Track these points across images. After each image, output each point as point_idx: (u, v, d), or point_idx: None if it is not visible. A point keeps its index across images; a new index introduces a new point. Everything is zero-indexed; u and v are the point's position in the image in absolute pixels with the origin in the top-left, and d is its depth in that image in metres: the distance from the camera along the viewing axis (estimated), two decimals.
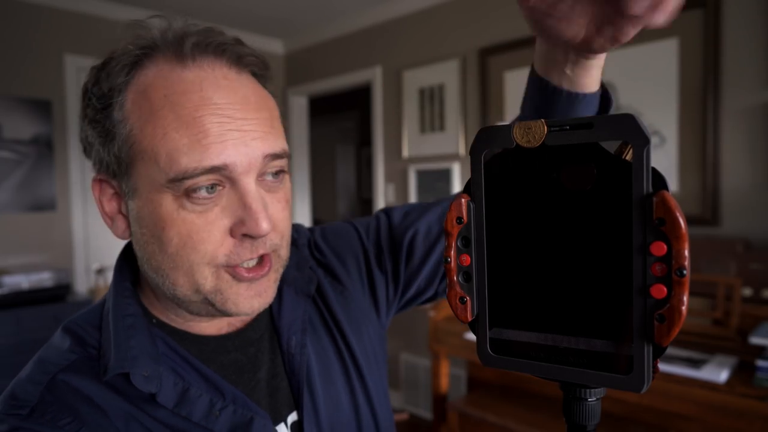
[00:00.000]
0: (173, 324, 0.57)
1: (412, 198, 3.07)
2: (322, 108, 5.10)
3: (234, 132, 0.48)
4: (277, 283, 0.56)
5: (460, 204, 0.31)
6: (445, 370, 2.27)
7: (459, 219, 0.31)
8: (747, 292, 1.76)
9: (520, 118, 0.59)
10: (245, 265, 0.51)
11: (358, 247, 0.72)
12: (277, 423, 0.58)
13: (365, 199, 5.50)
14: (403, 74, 3.06)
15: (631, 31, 0.40)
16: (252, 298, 0.52)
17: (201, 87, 0.48)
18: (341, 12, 3.26)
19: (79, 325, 0.55)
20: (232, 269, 0.51)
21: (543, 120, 0.28)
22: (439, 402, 2.26)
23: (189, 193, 0.48)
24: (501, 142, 0.30)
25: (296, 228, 0.72)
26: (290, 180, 0.57)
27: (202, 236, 0.49)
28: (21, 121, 2.76)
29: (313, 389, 0.61)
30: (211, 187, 0.48)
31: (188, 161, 0.46)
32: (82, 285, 2.96)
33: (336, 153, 5.78)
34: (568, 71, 0.50)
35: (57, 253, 2.90)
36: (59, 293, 2.64)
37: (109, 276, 2.95)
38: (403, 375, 3.20)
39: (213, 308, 0.52)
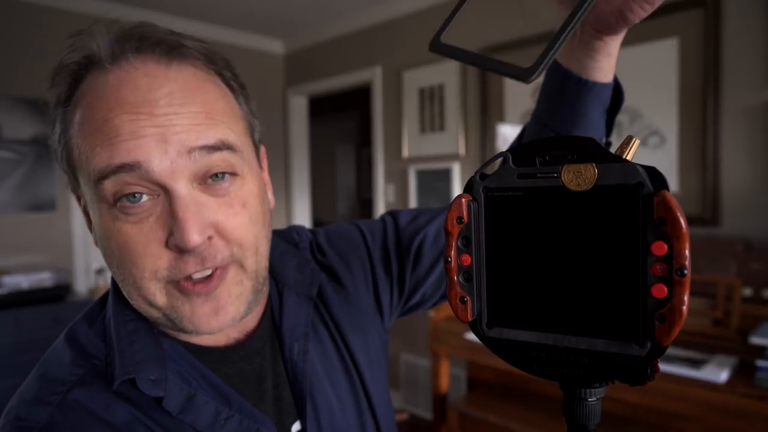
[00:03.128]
0: (173, 335, 0.54)
1: (413, 198, 3.07)
2: (322, 108, 5.10)
3: (151, 128, 0.44)
4: (245, 298, 0.51)
5: (461, 204, 0.31)
6: (445, 370, 2.27)
7: (459, 219, 0.31)
8: (747, 292, 1.76)
9: (534, 113, 0.61)
10: (194, 277, 0.47)
11: (363, 250, 0.70)
12: None
13: (365, 199, 5.49)
14: (403, 74, 3.06)
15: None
16: (209, 317, 0.48)
17: (119, 89, 0.45)
18: (341, 12, 3.26)
19: (85, 334, 0.53)
20: (178, 284, 0.47)
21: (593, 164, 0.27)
22: (439, 402, 2.26)
23: (116, 202, 0.45)
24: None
25: (297, 230, 0.70)
26: (252, 181, 0.51)
27: (138, 249, 0.45)
28: (21, 121, 2.75)
29: (316, 397, 0.59)
30: (133, 196, 0.45)
31: (99, 160, 0.44)
32: (82, 285, 2.96)
33: (336, 153, 5.78)
34: (579, 54, 0.50)
35: (57, 253, 2.90)
36: (59, 293, 2.64)
37: (109, 276, 2.95)
38: (403, 375, 3.20)
39: (174, 326, 0.49)
